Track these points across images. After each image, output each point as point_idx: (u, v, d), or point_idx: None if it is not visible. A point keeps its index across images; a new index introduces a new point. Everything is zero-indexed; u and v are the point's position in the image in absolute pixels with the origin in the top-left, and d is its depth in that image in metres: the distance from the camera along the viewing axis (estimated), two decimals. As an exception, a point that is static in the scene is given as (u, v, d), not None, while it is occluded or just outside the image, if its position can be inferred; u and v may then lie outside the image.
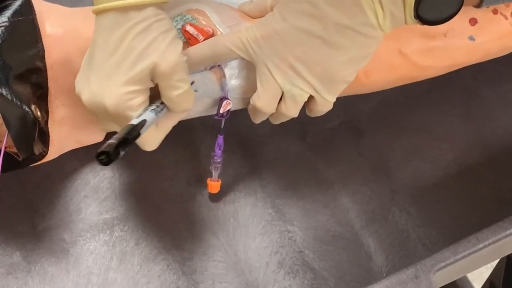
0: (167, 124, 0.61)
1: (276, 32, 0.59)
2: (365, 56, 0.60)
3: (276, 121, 0.65)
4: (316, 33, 0.58)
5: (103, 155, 0.50)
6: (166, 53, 0.57)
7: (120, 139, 0.52)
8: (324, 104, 0.62)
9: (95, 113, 0.60)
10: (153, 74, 0.57)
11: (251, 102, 0.62)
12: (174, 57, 0.57)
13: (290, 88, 0.60)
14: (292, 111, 0.62)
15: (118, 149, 0.51)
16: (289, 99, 0.61)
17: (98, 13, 0.58)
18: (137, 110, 0.57)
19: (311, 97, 0.62)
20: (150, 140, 0.60)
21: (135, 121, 0.55)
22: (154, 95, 0.59)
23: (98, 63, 0.58)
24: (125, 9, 0.57)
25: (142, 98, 0.58)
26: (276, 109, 0.63)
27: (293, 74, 0.60)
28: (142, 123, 0.55)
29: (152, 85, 0.59)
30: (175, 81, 0.58)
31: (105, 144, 0.51)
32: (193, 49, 0.62)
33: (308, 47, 0.59)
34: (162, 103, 0.59)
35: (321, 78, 0.60)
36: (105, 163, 0.50)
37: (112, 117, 0.58)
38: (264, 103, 0.61)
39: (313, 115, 0.64)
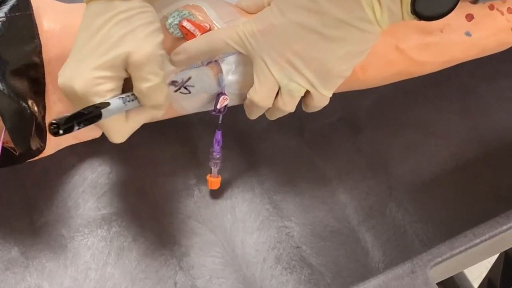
0: (137, 118, 0.60)
1: (273, 27, 0.59)
2: (362, 51, 0.60)
3: (273, 117, 0.65)
4: (314, 27, 0.58)
5: (54, 125, 0.51)
6: (141, 43, 0.57)
7: (75, 113, 0.52)
8: (321, 99, 0.63)
9: (68, 98, 0.59)
10: (126, 63, 0.57)
11: (248, 96, 0.62)
12: (149, 48, 0.57)
13: (287, 83, 0.60)
14: (288, 106, 0.62)
15: (72, 122, 0.52)
16: (286, 94, 0.61)
17: (87, 1, 0.58)
18: (105, 96, 0.57)
19: (307, 92, 0.62)
20: (117, 130, 0.60)
21: (96, 102, 0.56)
22: (129, 87, 0.59)
23: (75, 48, 0.58)
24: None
25: (111, 85, 0.57)
26: (273, 104, 0.63)
27: (290, 69, 0.60)
28: (104, 105, 0.55)
29: (125, 74, 0.58)
30: (146, 72, 0.57)
31: (60, 116, 0.51)
32: (190, 43, 0.63)
33: (306, 42, 0.59)
34: (133, 94, 0.59)
35: (318, 73, 0.60)
36: (54, 133, 0.51)
37: (81, 102, 0.57)
38: (260, 98, 0.62)
39: (309, 110, 0.64)
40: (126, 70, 0.58)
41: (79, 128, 0.52)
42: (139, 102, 0.59)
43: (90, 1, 0.58)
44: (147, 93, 0.58)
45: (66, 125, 0.51)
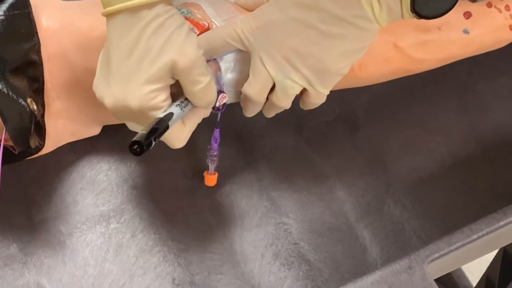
0: (193, 120, 0.61)
1: (271, 22, 0.59)
2: (360, 49, 0.60)
3: (269, 113, 0.65)
4: (312, 24, 0.58)
5: (135, 144, 0.51)
6: (183, 49, 0.57)
7: (151, 129, 0.53)
8: (317, 97, 0.63)
9: (119, 117, 0.60)
10: (172, 71, 0.57)
11: (242, 90, 0.63)
12: (192, 52, 0.57)
13: (281, 79, 0.60)
14: (283, 102, 0.62)
15: (150, 139, 0.52)
16: (280, 91, 0.61)
17: (108, 15, 0.57)
18: (162, 108, 0.57)
19: (304, 90, 0.62)
20: (178, 137, 0.60)
21: (161, 115, 0.56)
22: (177, 92, 0.59)
23: (116, 66, 0.58)
24: (136, 9, 0.56)
25: (164, 95, 0.58)
26: (268, 99, 0.63)
27: (287, 65, 0.60)
28: (169, 115, 0.56)
29: (172, 81, 0.58)
30: (195, 75, 0.58)
31: (137, 135, 0.51)
32: None
33: (303, 38, 0.59)
34: (186, 99, 0.59)
35: (315, 70, 0.60)
36: (138, 153, 0.51)
37: (138, 119, 0.58)
38: (253, 92, 0.62)
39: (306, 107, 0.64)
40: (172, 77, 0.58)
41: (155, 144, 0.53)
42: (191, 104, 0.60)
43: (112, 15, 0.57)
44: (200, 95, 0.59)
45: (147, 142, 0.52)
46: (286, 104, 0.63)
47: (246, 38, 0.60)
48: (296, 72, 0.60)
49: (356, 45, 0.60)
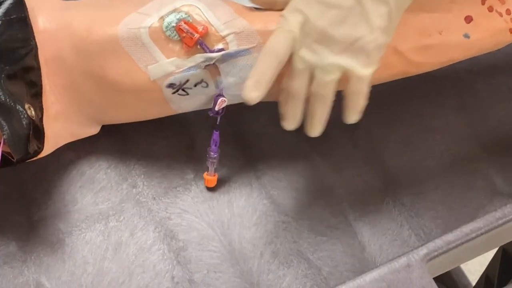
0: None
1: (299, 11, 0.59)
2: (384, 14, 0.60)
3: (316, 108, 0.63)
4: (333, 2, 0.58)
5: None
6: None
7: None
8: (359, 80, 0.61)
9: None
10: None
11: (283, 85, 0.62)
12: None
13: (319, 65, 0.60)
14: (323, 89, 0.61)
15: None
16: (319, 78, 0.60)
17: None
18: None
19: (345, 78, 0.61)
20: None
21: None
22: None
23: None
24: None
25: None
26: (310, 91, 0.62)
27: (321, 50, 0.59)
28: None
29: None
30: None
31: None
32: (257, 74, 0.61)
33: (329, 19, 0.59)
34: None
35: (351, 50, 0.59)
36: None
37: None
38: (294, 83, 0.61)
39: (351, 98, 0.62)
40: None
41: None
42: None
43: None
44: None
45: None
46: (328, 91, 0.61)
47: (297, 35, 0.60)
48: (332, 55, 0.59)
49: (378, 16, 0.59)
